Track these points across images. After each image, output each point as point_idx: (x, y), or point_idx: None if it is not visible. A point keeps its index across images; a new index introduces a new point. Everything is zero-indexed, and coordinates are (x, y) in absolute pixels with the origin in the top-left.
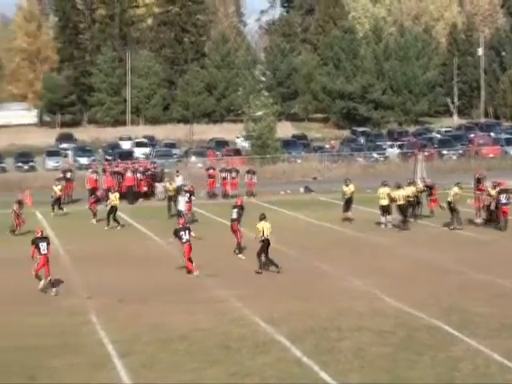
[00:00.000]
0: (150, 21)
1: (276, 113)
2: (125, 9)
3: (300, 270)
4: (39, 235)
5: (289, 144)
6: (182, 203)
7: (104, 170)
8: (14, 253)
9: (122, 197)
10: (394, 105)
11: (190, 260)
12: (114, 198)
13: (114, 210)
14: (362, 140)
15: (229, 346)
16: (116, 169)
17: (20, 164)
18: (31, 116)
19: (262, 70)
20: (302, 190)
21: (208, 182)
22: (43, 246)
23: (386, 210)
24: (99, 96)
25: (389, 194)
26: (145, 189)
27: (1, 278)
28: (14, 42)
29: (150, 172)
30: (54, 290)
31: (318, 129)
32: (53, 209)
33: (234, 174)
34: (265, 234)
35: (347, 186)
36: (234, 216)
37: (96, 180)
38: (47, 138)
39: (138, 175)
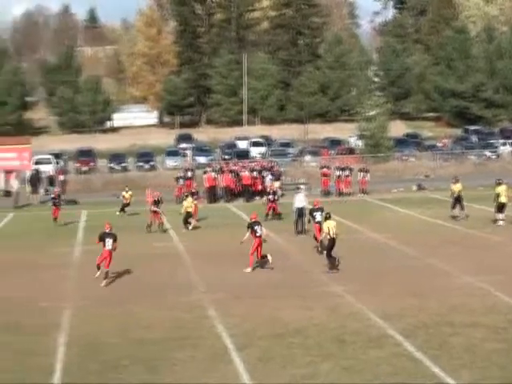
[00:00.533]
0: (265, 24)
1: (388, 112)
2: (241, 12)
3: (413, 266)
4: (107, 230)
5: (401, 142)
6: (298, 200)
7: (221, 169)
8: (139, 249)
9: (239, 195)
10: (506, 103)
11: (253, 254)
12: (187, 203)
13: (188, 215)
14: (474, 138)
15: (343, 340)
16: (233, 168)
17: (141, 163)
18: (152, 117)
19: (375, 71)
20: (414, 187)
21: (322, 180)
22: (109, 241)
23: (502, 208)
24: (217, 97)
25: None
26: (260, 187)
27: (127, 274)
28: (136, 47)
29: (266, 171)
30: (104, 281)
31: (430, 127)
32: (120, 210)
33: (347, 173)
34: (331, 233)
35: (455, 184)
36: (319, 219)
37: (214, 179)
38: (167, 138)
39: (254, 174)
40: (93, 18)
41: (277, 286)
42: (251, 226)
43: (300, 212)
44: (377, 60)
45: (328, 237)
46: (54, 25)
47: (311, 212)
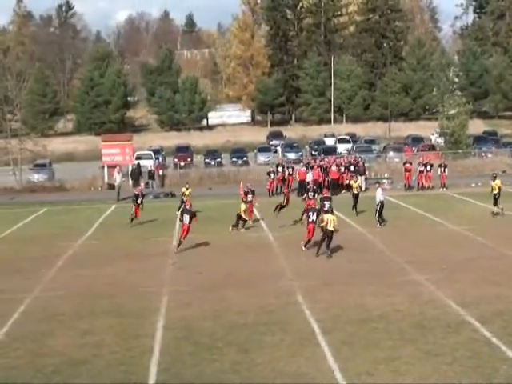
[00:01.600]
0: (352, 28)
1: (468, 111)
2: (329, 17)
3: (491, 257)
4: (187, 207)
5: (480, 140)
6: (379, 193)
7: (309, 164)
8: (234, 239)
9: (328, 189)
10: None
11: (309, 240)
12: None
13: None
14: None
15: (423, 326)
16: (321, 163)
17: (235, 159)
18: (245, 116)
19: (456, 72)
20: (492, 182)
21: (405, 175)
22: (186, 217)
23: None
24: (306, 97)
25: None
26: (347, 181)
27: (220, 262)
28: (230, 50)
29: (352, 166)
30: (177, 249)
31: (508, 125)
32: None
33: (428, 168)
34: (328, 225)
35: (494, 180)
36: (327, 207)
37: (305, 173)
38: (259, 135)
39: (341, 169)
40: (190, 23)
41: (362, 274)
42: (305, 212)
43: (381, 205)
44: (457, 62)
45: (325, 228)
46: (154, 29)
47: (321, 200)
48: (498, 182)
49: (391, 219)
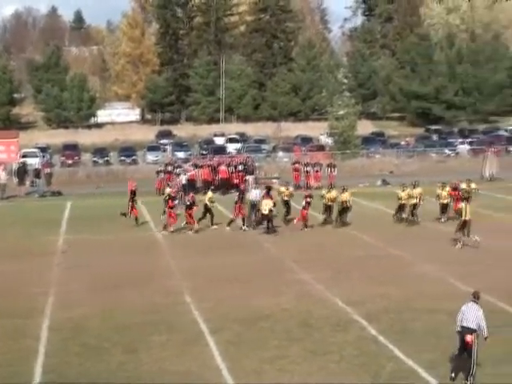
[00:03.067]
0: (242, 28)
1: (357, 112)
2: (220, 17)
3: (376, 256)
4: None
5: (368, 140)
6: (253, 194)
7: (195, 164)
8: (121, 239)
9: (217, 188)
10: (465, 105)
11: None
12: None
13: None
14: (435, 137)
15: (310, 325)
16: (210, 163)
17: (123, 158)
18: (134, 114)
19: (345, 73)
20: (379, 182)
21: (294, 175)
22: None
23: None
24: (196, 96)
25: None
26: (236, 181)
27: (108, 262)
28: (120, 47)
29: (241, 166)
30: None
31: (395, 127)
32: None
33: (317, 168)
34: (263, 209)
35: (328, 192)
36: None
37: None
38: (148, 134)
39: (231, 168)
40: (79, 19)
41: (250, 273)
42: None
43: (253, 204)
44: (346, 63)
45: (263, 211)
46: (41, 25)
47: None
48: (332, 193)
49: (279, 219)
